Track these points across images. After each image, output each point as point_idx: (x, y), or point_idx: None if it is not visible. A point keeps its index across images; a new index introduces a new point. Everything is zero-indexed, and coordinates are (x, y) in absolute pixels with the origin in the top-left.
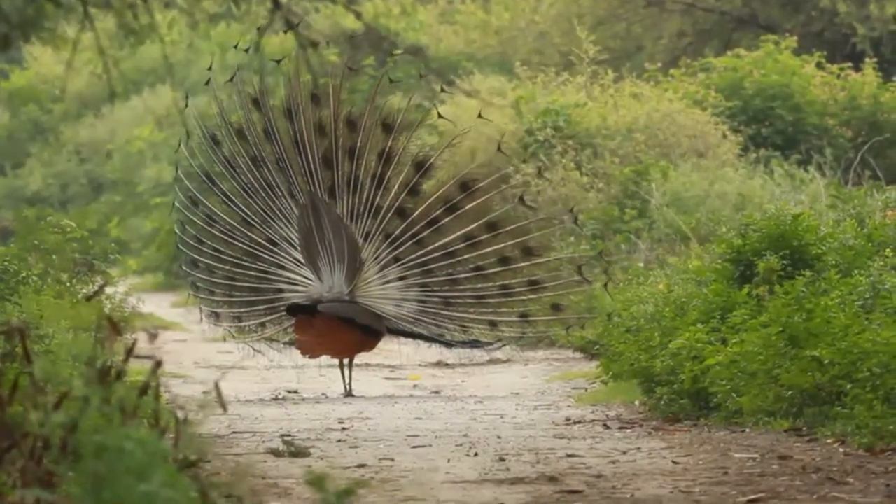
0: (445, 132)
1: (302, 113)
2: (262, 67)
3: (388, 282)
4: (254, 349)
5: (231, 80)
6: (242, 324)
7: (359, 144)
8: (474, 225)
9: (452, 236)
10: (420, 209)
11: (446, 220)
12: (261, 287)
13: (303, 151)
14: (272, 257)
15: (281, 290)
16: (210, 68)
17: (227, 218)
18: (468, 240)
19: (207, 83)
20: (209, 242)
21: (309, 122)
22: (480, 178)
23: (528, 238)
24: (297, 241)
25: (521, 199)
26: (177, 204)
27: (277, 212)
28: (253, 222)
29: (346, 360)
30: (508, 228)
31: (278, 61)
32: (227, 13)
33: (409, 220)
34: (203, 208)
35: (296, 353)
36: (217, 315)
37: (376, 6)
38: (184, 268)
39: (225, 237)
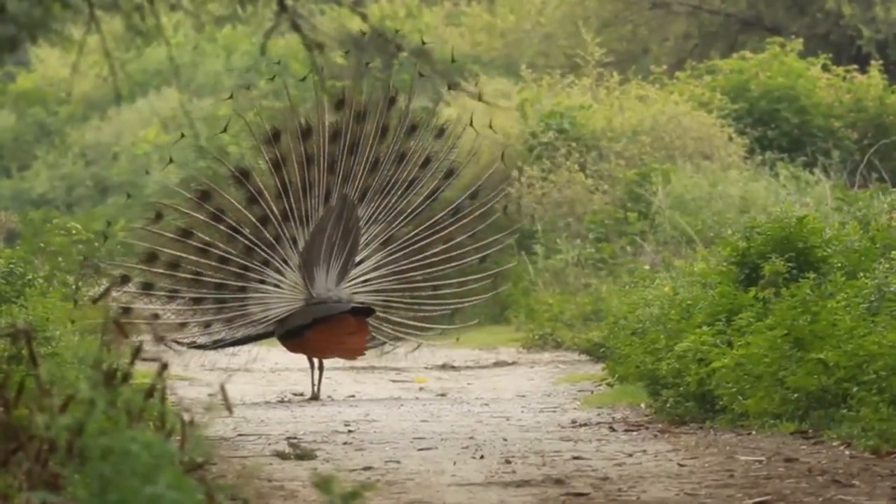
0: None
1: (377, 115)
2: (357, 68)
3: (373, 281)
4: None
5: (272, 79)
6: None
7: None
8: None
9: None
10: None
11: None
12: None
13: (355, 153)
14: (268, 256)
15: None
16: (278, 63)
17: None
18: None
19: (239, 86)
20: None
21: (374, 126)
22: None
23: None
24: (294, 242)
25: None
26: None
27: (303, 212)
28: (266, 223)
29: (317, 362)
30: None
31: (368, 63)
32: (232, 15)
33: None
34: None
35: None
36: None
37: (382, 8)
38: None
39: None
